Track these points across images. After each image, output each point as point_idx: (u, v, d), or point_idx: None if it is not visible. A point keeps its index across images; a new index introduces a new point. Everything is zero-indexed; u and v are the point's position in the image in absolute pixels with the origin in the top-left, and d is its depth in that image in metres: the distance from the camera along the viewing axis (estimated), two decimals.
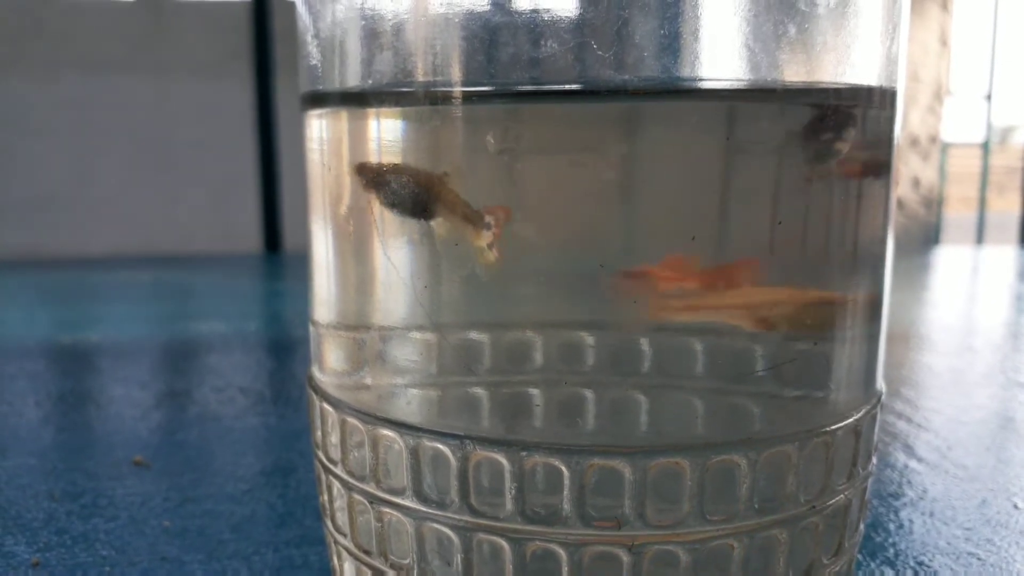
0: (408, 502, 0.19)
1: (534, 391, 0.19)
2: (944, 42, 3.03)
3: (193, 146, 1.85)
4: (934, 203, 3.15)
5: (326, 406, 0.21)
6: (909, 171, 3.01)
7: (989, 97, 3.26)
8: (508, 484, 0.18)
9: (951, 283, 1.11)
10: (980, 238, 3.28)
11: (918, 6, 2.98)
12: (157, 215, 1.84)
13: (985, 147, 3.36)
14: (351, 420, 0.20)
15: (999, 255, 1.46)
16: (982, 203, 3.35)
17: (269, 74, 1.88)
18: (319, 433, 0.22)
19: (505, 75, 0.18)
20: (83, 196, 1.81)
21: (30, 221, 1.76)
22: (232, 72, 1.87)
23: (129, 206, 1.83)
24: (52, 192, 1.79)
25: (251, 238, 1.88)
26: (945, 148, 3.21)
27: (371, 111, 0.19)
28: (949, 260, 1.37)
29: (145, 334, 0.71)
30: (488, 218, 0.18)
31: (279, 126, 1.88)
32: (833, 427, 0.19)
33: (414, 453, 0.19)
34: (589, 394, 0.19)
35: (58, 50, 1.77)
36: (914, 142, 3.03)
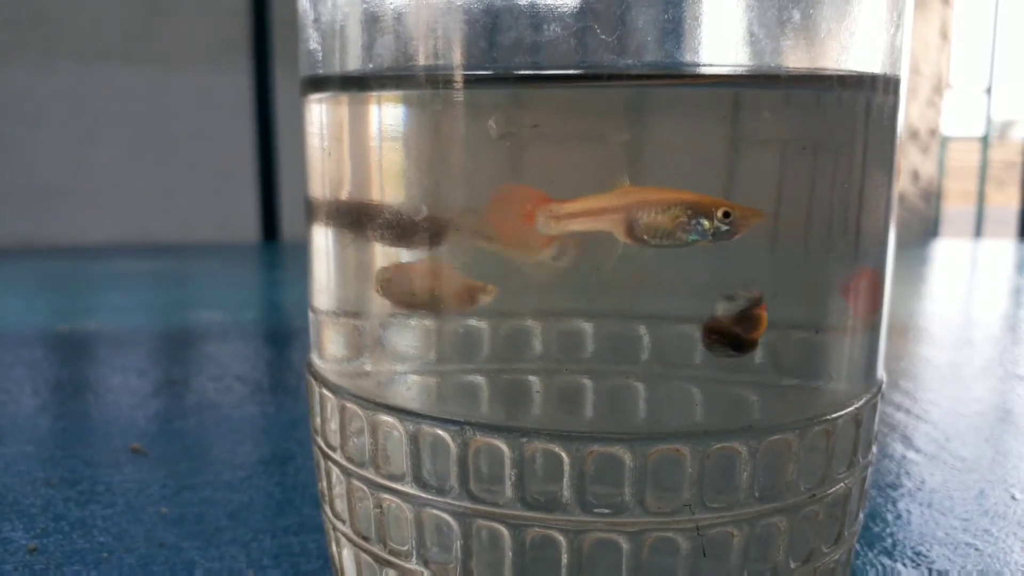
0: (408, 488, 0.19)
1: (533, 378, 0.19)
2: (944, 36, 3.03)
3: (191, 135, 1.84)
4: (933, 196, 3.15)
5: (326, 392, 0.21)
6: (908, 164, 3.01)
7: (989, 91, 3.26)
8: (508, 470, 0.18)
9: (950, 276, 1.11)
10: (979, 232, 3.28)
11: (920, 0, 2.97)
12: (155, 204, 1.83)
13: (984, 141, 3.35)
14: (351, 406, 0.20)
15: (998, 249, 1.46)
16: (981, 197, 3.35)
17: (268, 63, 1.87)
18: (318, 419, 0.22)
19: (507, 59, 0.17)
20: (80, 185, 1.80)
21: (27, 209, 1.75)
22: (230, 61, 1.86)
23: (126, 195, 1.82)
24: (49, 181, 1.78)
25: (249, 227, 1.88)
26: (944, 142, 3.21)
27: (372, 95, 0.19)
28: (948, 254, 1.37)
29: (143, 323, 0.71)
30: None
31: (277, 115, 1.87)
32: (834, 416, 0.19)
33: (414, 439, 0.19)
34: (588, 381, 0.19)
35: (55, 39, 1.76)
36: (914, 135, 3.02)
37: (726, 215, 0.17)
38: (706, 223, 0.17)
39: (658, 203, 0.17)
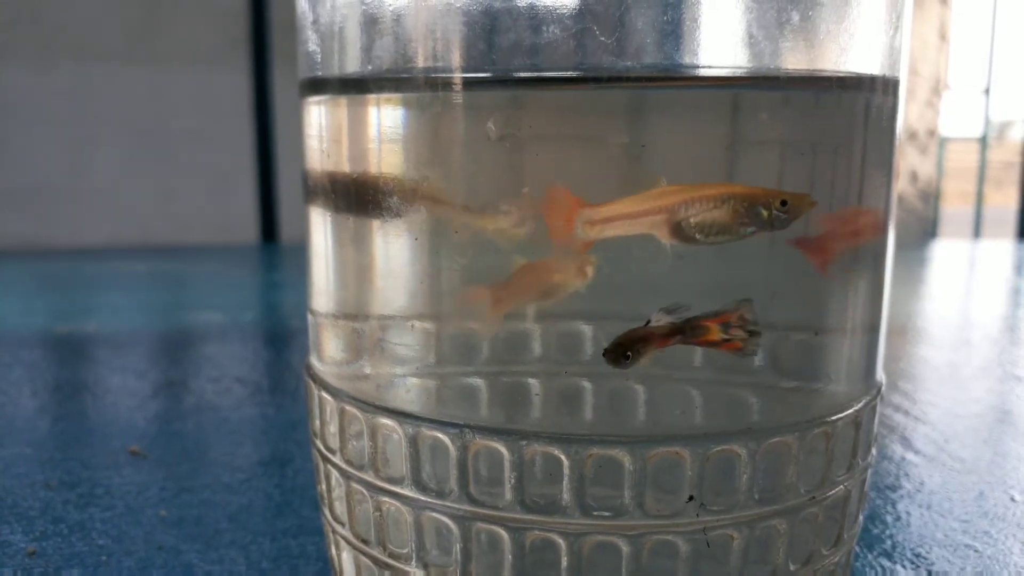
0: (407, 491, 0.19)
1: (533, 381, 0.19)
2: (943, 36, 3.03)
3: (190, 136, 1.84)
4: (932, 197, 3.15)
5: (325, 395, 0.21)
6: (907, 165, 3.01)
7: (987, 92, 3.26)
8: (507, 473, 0.18)
9: (948, 277, 1.11)
10: (977, 232, 3.28)
11: (918, 0, 2.97)
12: (153, 205, 1.83)
13: (983, 142, 3.36)
14: (350, 409, 0.20)
15: (996, 250, 1.46)
16: (979, 198, 3.35)
17: (267, 64, 1.87)
18: (317, 422, 0.22)
19: (506, 61, 0.17)
20: (79, 186, 1.80)
21: (25, 210, 1.75)
22: (230, 62, 1.86)
23: (125, 196, 1.82)
24: (47, 181, 1.78)
25: (248, 229, 1.88)
26: (943, 142, 3.21)
27: (371, 97, 0.19)
28: (946, 254, 1.38)
29: (142, 324, 0.71)
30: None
31: (276, 117, 1.87)
32: (833, 418, 0.19)
33: (413, 442, 0.19)
34: (587, 384, 0.19)
35: (54, 39, 1.76)
36: (912, 136, 3.02)
37: (783, 203, 0.17)
38: (764, 213, 0.16)
39: (709, 199, 0.16)
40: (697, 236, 0.17)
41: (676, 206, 0.16)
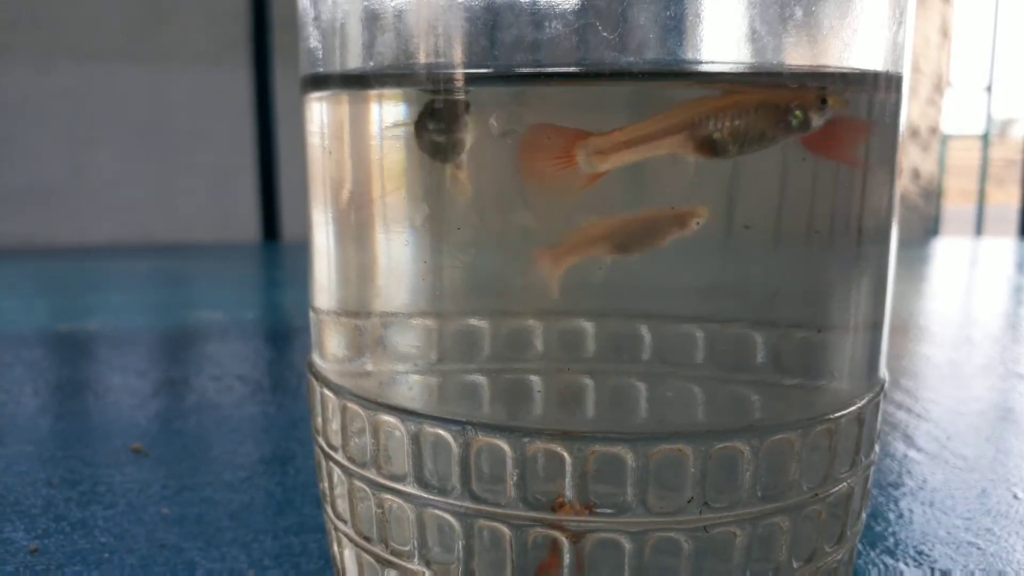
0: (409, 488, 0.19)
1: (535, 378, 0.19)
2: (945, 33, 3.02)
3: (191, 135, 1.84)
4: (934, 195, 3.14)
5: (327, 392, 0.21)
6: (909, 163, 3.01)
7: (989, 89, 3.26)
8: (510, 470, 0.18)
9: (950, 275, 1.11)
10: (979, 230, 3.28)
11: None
12: (155, 204, 1.83)
13: (985, 139, 3.35)
14: (352, 406, 0.20)
15: (998, 247, 1.46)
16: (981, 195, 3.35)
17: (268, 63, 1.87)
18: (319, 419, 0.22)
19: (508, 57, 0.17)
20: (80, 185, 1.80)
21: (26, 210, 1.76)
22: (230, 61, 1.86)
23: (126, 195, 1.82)
24: (49, 181, 1.78)
25: (249, 227, 1.88)
26: (945, 140, 3.21)
27: (373, 93, 0.19)
28: (948, 252, 1.37)
29: (143, 323, 0.71)
30: None
31: (278, 115, 1.87)
32: (836, 415, 0.19)
33: (415, 439, 0.19)
34: (590, 381, 0.19)
35: (54, 38, 1.76)
36: (914, 133, 3.02)
37: (824, 101, 0.16)
38: (799, 114, 0.16)
39: (742, 105, 0.15)
40: (731, 148, 0.15)
41: (700, 119, 0.15)
